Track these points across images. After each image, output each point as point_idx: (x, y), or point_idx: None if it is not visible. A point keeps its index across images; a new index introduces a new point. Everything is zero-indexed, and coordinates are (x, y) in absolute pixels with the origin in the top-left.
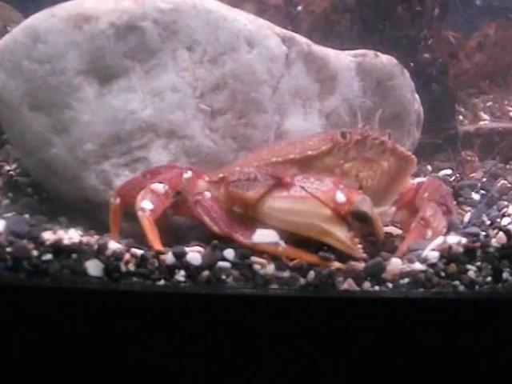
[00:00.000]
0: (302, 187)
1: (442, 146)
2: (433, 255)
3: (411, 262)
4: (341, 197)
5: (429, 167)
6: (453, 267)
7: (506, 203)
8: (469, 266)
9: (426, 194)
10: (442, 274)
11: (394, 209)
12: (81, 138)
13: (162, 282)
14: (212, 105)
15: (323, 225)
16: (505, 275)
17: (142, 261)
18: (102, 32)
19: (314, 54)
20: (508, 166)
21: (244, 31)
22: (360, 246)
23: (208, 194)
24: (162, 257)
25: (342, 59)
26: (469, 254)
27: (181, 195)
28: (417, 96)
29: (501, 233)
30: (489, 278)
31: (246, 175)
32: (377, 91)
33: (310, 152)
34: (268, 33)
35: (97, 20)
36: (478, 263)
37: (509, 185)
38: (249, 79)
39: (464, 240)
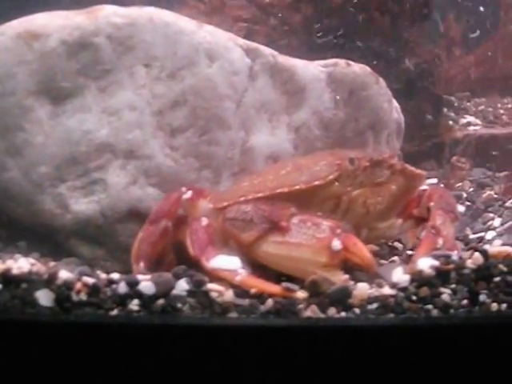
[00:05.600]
0: (298, 233)
1: (428, 154)
2: (403, 278)
3: (380, 286)
4: (337, 244)
5: None
6: (425, 290)
7: (491, 215)
8: (442, 289)
9: (431, 203)
10: (414, 297)
11: (400, 221)
12: (35, 160)
13: (115, 312)
14: (172, 122)
15: (318, 271)
16: (482, 298)
17: (93, 290)
18: (52, 50)
19: (280, 66)
20: (497, 175)
21: (204, 44)
22: None
23: (204, 220)
24: (114, 285)
25: (311, 70)
26: (442, 276)
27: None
28: (396, 104)
29: (477, 253)
30: (465, 301)
31: (243, 215)
32: (349, 102)
33: (316, 182)
34: (230, 45)
35: (47, 37)
36: (453, 286)
37: (495, 195)
38: (210, 94)
39: (436, 262)
